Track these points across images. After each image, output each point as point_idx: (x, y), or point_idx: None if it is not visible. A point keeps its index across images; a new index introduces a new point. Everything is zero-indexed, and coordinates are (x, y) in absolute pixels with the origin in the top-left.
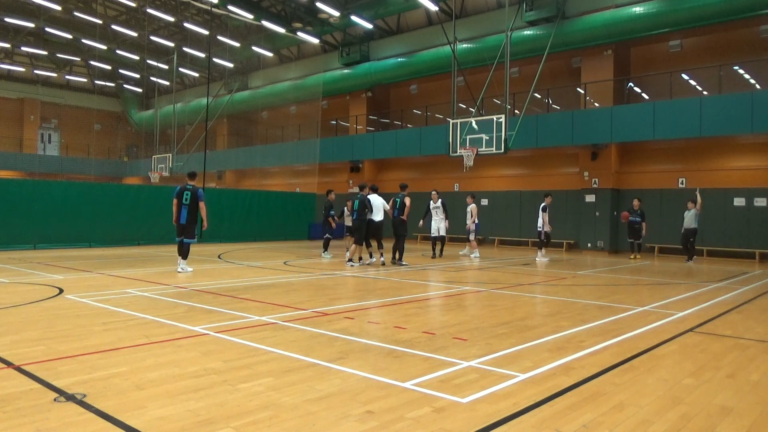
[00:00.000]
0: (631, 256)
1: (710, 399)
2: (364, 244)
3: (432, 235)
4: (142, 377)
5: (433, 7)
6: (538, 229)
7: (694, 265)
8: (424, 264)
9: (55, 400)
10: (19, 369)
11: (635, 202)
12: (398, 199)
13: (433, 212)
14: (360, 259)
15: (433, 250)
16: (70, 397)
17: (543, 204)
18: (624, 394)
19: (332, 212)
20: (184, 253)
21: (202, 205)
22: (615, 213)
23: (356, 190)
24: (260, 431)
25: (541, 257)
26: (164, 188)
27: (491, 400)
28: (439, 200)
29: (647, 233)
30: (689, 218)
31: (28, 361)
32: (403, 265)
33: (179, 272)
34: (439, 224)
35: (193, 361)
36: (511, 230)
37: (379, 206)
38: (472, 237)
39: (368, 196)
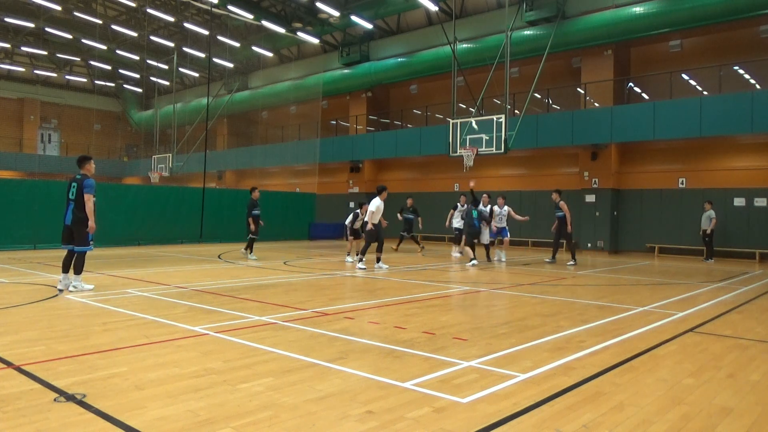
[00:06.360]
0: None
1: (710, 399)
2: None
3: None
4: (142, 377)
5: (433, 7)
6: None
7: (703, 265)
8: (424, 264)
9: (55, 400)
10: (19, 369)
11: (408, 201)
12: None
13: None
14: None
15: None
16: (70, 397)
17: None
18: (624, 394)
19: (255, 212)
20: (76, 266)
21: (87, 197)
22: (615, 213)
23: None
24: (260, 431)
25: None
26: (164, 188)
27: (491, 400)
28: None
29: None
30: (704, 219)
31: (28, 361)
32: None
33: (71, 290)
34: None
35: (193, 361)
36: (511, 230)
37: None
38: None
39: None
